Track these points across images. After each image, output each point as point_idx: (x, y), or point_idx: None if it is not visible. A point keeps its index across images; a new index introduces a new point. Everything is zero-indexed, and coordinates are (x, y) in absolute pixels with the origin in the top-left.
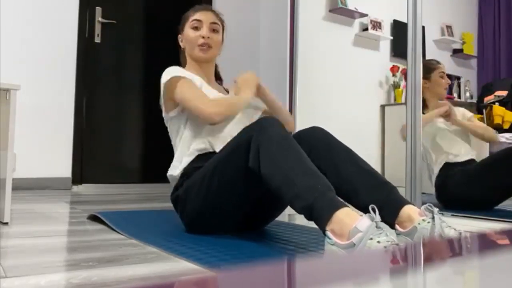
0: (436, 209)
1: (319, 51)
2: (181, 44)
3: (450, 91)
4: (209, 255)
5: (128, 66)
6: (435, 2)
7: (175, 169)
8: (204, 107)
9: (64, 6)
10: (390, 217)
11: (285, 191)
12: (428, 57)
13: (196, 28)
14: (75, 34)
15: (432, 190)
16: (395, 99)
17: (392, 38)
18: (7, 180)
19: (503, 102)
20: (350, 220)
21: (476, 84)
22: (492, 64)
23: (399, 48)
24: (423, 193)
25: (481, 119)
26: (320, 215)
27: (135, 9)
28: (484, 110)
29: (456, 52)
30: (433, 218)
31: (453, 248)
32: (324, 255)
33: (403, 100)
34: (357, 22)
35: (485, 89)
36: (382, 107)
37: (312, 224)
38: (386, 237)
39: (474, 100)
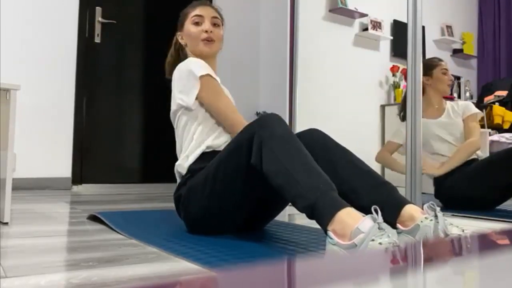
0: (438, 208)
1: (319, 51)
2: (181, 41)
3: (450, 91)
4: (209, 255)
5: (128, 66)
6: (435, 2)
7: (182, 166)
8: (240, 119)
9: (64, 6)
10: (391, 216)
11: (287, 189)
12: (428, 57)
13: (197, 24)
14: (75, 34)
15: (432, 190)
16: (395, 99)
17: (392, 38)
18: (7, 180)
19: (503, 102)
20: (352, 220)
21: (476, 84)
22: (492, 64)
23: (399, 48)
24: (423, 193)
25: (481, 119)
26: (322, 215)
27: (135, 9)
28: (484, 110)
29: (456, 52)
30: (435, 216)
31: (453, 248)
32: (324, 255)
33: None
34: (357, 22)
35: (485, 89)
36: (382, 107)
37: (312, 224)
38: (388, 238)
39: (474, 100)
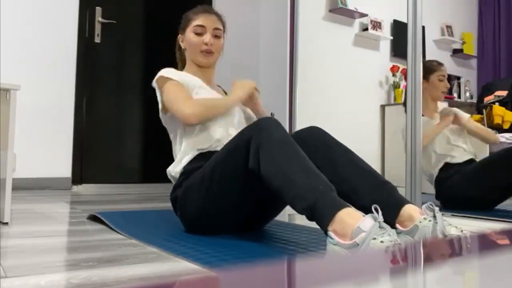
0: (437, 208)
1: (319, 51)
2: (181, 44)
3: (450, 91)
4: (209, 255)
5: (128, 66)
6: (435, 2)
7: (175, 168)
8: (182, 109)
9: (64, 6)
10: (390, 216)
11: (286, 191)
12: (428, 57)
13: (199, 34)
14: (75, 34)
15: (432, 190)
16: (395, 99)
17: (392, 38)
18: (7, 180)
19: (503, 102)
20: (352, 220)
21: (476, 84)
22: (492, 64)
23: (399, 48)
24: (423, 193)
25: (481, 119)
26: (322, 215)
27: (135, 9)
28: (484, 110)
29: (456, 52)
30: (434, 216)
31: (453, 248)
32: (324, 255)
33: (403, 100)
34: (357, 22)
35: (485, 89)
36: (382, 107)
37: (312, 224)
38: (389, 237)
39: (474, 100)
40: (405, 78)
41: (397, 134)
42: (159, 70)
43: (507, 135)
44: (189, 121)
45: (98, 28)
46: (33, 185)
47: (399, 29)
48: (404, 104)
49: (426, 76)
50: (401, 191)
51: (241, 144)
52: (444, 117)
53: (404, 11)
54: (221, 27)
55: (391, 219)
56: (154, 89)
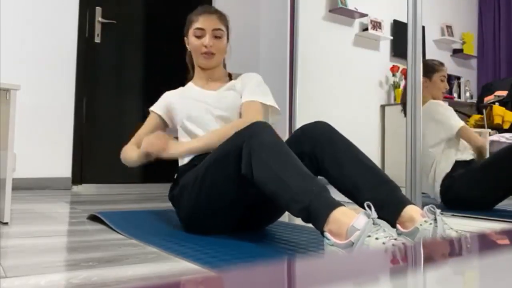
0: (438, 211)
1: (319, 51)
2: (187, 46)
3: (450, 91)
4: (209, 255)
5: (128, 66)
6: (435, 2)
7: (180, 162)
8: (122, 151)
9: (64, 6)
10: (391, 216)
11: (280, 194)
12: (428, 57)
13: (198, 37)
14: (75, 34)
15: (432, 190)
16: (395, 99)
17: (392, 38)
18: (7, 180)
19: (503, 102)
20: (347, 218)
21: (476, 84)
22: (492, 64)
23: (399, 48)
24: (423, 193)
25: (481, 119)
26: (317, 217)
27: (135, 9)
28: (484, 110)
29: (456, 52)
30: (435, 219)
31: (453, 248)
32: (324, 255)
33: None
34: (357, 22)
35: (485, 89)
36: (382, 107)
37: (311, 224)
38: (384, 232)
39: (474, 100)
40: (405, 78)
41: (397, 134)
42: (159, 70)
43: (507, 135)
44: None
45: (98, 28)
46: (33, 185)
47: (399, 29)
48: (403, 104)
49: (428, 75)
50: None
51: (233, 149)
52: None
53: (404, 11)
54: (222, 27)
55: (392, 218)
56: (154, 89)
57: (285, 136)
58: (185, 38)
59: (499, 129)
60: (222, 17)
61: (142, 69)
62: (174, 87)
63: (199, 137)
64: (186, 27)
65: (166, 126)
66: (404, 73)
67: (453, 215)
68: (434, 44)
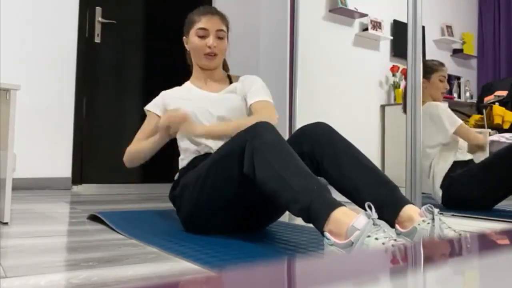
0: (436, 210)
1: (319, 51)
2: (186, 46)
3: (450, 91)
4: (209, 255)
5: (128, 66)
6: (435, 2)
7: (180, 163)
8: (126, 152)
9: (64, 6)
10: (390, 216)
11: (281, 193)
12: (428, 57)
13: (202, 37)
14: (75, 34)
15: (432, 190)
16: (395, 99)
17: (392, 38)
18: (7, 180)
19: (503, 102)
20: (347, 218)
21: (476, 84)
22: (492, 64)
23: (399, 48)
24: (423, 193)
25: (481, 119)
26: (318, 216)
27: (135, 9)
28: (484, 110)
29: (456, 52)
30: (433, 219)
31: (453, 248)
32: (324, 255)
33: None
34: (357, 22)
35: (485, 89)
36: (382, 107)
37: (311, 225)
38: (384, 233)
39: (474, 100)
40: (405, 78)
41: (397, 134)
42: (159, 70)
43: (507, 135)
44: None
45: (98, 28)
46: (33, 185)
47: (399, 29)
48: (404, 103)
49: (427, 76)
50: (401, 191)
51: (236, 149)
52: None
53: (404, 11)
54: (224, 28)
55: (390, 218)
56: (154, 89)
57: (285, 136)
58: (184, 37)
59: (499, 129)
60: (223, 18)
61: (142, 69)
62: (174, 87)
63: (218, 123)
64: (187, 26)
65: None
66: (404, 73)
67: (453, 215)
68: (434, 44)
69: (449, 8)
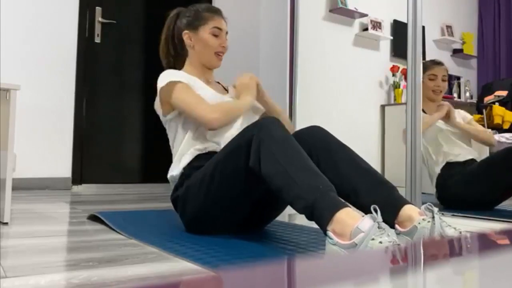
0: (436, 209)
1: (319, 51)
2: (187, 41)
3: (450, 91)
4: (209, 255)
5: (128, 66)
6: (435, 2)
7: (174, 169)
8: (204, 114)
9: (64, 6)
10: (389, 216)
11: (286, 190)
12: (428, 57)
13: (216, 36)
14: (75, 34)
15: (432, 190)
16: (395, 99)
17: (392, 38)
18: (7, 180)
19: (503, 102)
20: (351, 220)
21: (476, 84)
22: (492, 64)
23: (399, 48)
24: (423, 193)
25: (481, 119)
26: (321, 215)
27: (135, 9)
28: (484, 110)
29: (456, 52)
30: (433, 217)
31: (453, 248)
32: (324, 255)
33: (403, 100)
34: (357, 22)
35: (485, 89)
36: (382, 107)
37: (312, 224)
38: (388, 237)
39: (474, 100)
40: (405, 78)
41: (397, 134)
42: (159, 70)
43: (507, 135)
44: (211, 126)
45: (98, 28)
46: (33, 185)
47: (399, 29)
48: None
49: None
50: (401, 191)
51: (243, 143)
52: (440, 107)
53: (404, 11)
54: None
55: (390, 219)
56: (154, 89)
57: None
58: (185, 31)
59: (499, 129)
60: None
61: (142, 69)
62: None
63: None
64: (196, 22)
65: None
66: (404, 73)
67: (453, 215)
68: (434, 44)
69: (449, 8)
